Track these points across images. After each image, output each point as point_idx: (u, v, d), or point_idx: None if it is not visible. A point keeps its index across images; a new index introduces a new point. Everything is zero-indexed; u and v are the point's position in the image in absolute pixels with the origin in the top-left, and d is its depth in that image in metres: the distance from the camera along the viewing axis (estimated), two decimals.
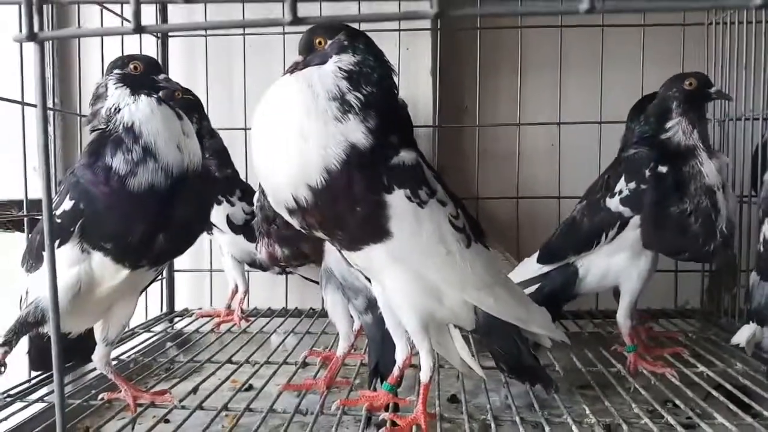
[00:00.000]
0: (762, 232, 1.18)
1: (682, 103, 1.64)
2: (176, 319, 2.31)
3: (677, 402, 1.44)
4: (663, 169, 1.59)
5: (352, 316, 1.54)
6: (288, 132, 1.11)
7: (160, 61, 2.16)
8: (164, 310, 2.39)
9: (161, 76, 1.37)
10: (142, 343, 1.98)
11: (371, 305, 1.45)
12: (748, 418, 1.33)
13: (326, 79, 1.14)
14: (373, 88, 1.15)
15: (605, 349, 1.81)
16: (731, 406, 1.40)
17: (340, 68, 1.15)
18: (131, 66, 1.34)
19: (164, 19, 2.31)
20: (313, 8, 1.43)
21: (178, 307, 2.43)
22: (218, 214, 2.11)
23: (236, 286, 2.27)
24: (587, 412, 1.38)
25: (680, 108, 1.64)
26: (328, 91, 1.12)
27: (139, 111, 1.30)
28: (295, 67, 1.20)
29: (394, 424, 1.30)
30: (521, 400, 1.51)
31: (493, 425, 1.31)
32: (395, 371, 1.39)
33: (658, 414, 1.40)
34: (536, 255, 1.83)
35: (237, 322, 2.17)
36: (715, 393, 1.49)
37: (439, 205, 1.21)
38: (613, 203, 1.63)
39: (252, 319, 2.24)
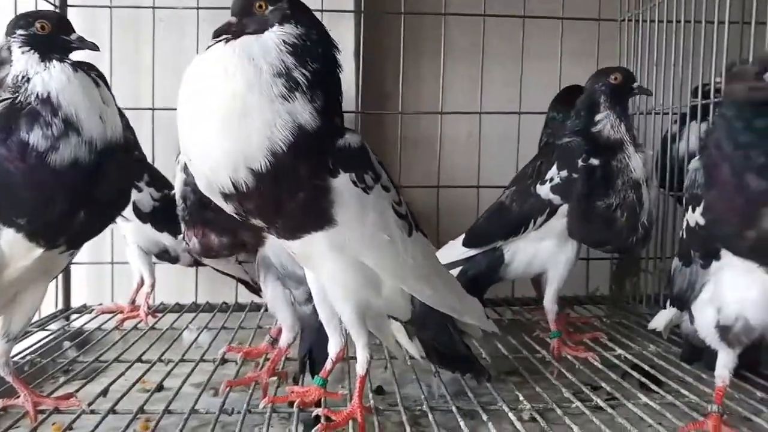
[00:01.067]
0: (685, 219, 1.22)
1: (609, 97, 1.68)
2: (74, 316, 2.12)
3: (603, 384, 1.48)
4: (594, 161, 1.62)
5: (296, 306, 1.45)
6: (227, 108, 1.00)
7: None
8: (60, 306, 2.19)
9: (73, 36, 1.23)
10: (37, 342, 1.79)
11: (311, 296, 1.37)
12: (664, 393, 1.41)
13: (270, 52, 1.03)
14: (319, 65, 1.06)
15: (528, 336, 1.84)
16: (651, 384, 1.47)
17: (284, 41, 1.05)
18: (38, 25, 1.19)
19: None
20: None
21: (76, 303, 2.23)
22: None
23: (142, 280, 2.11)
24: (520, 398, 1.38)
25: (607, 102, 1.68)
26: (272, 65, 1.02)
27: (53, 79, 1.15)
28: (228, 29, 1.08)
29: (328, 419, 1.24)
30: (452, 388, 1.50)
31: (430, 416, 1.28)
32: (328, 364, 1.32)
33: (585, 396, 1.43)
34: (462, 238, 1.82)
35: (144, 318, 2.01)
36: (636, 374, 1.55)
37: (383, 191, 1.16)
38: (544, 190, 1.65)
39: (159, 315, 2.09)
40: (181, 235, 1.51)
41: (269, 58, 1.03)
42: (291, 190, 1.04)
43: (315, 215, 1.08)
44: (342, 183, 1.08)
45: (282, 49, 1.04)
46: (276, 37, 1.05)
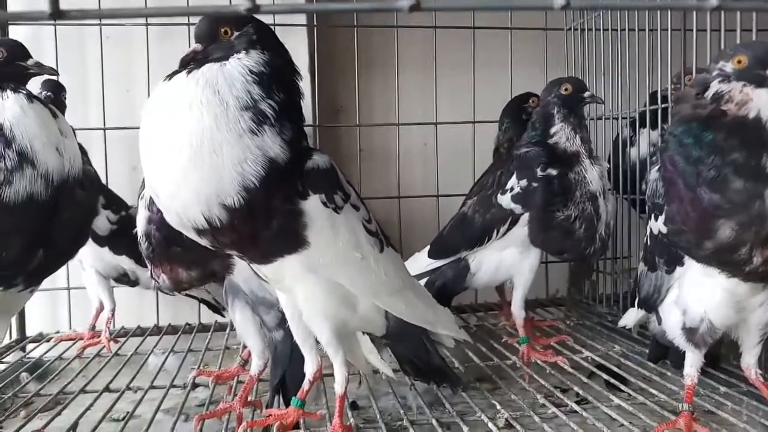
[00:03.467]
0: (648, 226, 1.27)
1: (561, 107, 1.72)
2: (30, 346, 2.04)
3: (574, 387, 1.52)
4: (553, 171, 1.65)
5: (264, 332, 1.43)
6: (195, 145, 0.98)
7: None
8: (14, 336, 2.09)
9: (30, 61, 1.20)
10: None
11: (283, 321, 1.36)
12: (634, 393, 1.45)
13: (235, 83, 1.01)
14: (284, 94, 1.05)
15: (495, 342, 1.87)
16: (619, 385, 1.53)
17: (250, 70, 1.03)
18: None
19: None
20: None
21: (31, 331, 2.14)
22: None
23: (101, 305, 2.05)
24: (497, 406, 1.41)
25: (560, 113, 1.72)
26: (238, 98, 1.00)
27: (7, 110, 1.11)
28: (194, 57, 1.07)
29: None
30: (427, 398, 1.51)
31: (411, 430, 1.29)
32: (305, 385, 1.31)
33: (558, 400, 1.47)
34: (426, 249, 1.84)
35: (106, 344, 1.95)
36: (604, 375, 1.60)
37: (353, 210, 1.17)
38: (505, 200, 1.68)
39: (121, 340, 2.03)
40: (148, 272, 1.47)
41: (235, 90, 1.01)
42: (265, 221, 1.03)
43: (288, 239, 1.08)
44: (312, 205, 1.08)
45: (248, 79, 1.02)
46: (241, 66, 1.03)
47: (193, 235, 1.06)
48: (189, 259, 1.35)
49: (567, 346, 1.81)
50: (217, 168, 0.98)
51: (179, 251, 1.34)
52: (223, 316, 2.15)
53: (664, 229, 1.17)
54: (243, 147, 0.99)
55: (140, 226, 1.41)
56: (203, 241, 1.07)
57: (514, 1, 1.00)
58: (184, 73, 1.04)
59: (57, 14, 0.54)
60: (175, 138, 0.99)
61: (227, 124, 0.99)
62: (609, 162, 2.08)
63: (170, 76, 1.05)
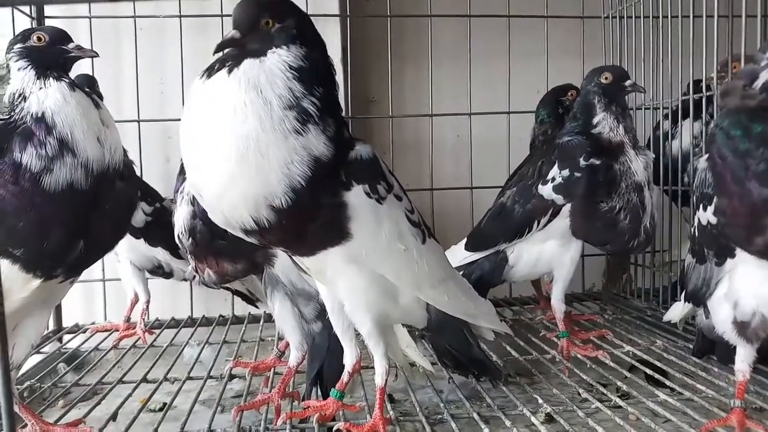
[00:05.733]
0: (696, 216, 1.23)
1: (602, 97, 1.68)
2: (67, 337, 2.06)
3: (617, 382, 1.49)
4: (596, 161, 1.61)
5: (304, 325, 1.42)
6: (241, 149, 0.96)
7: None
8: (51, 327, 2.11)
9: (71, 45, 1.18)
10: (33, 367, 1.74)
11: (322, 312, 1.35)
12: (680, 389, 1.41)
13: (276, 81, 0.99)
14: (324, 88, 1.03)
15: (534, 336, 1.84)
16: (664, 380, 1.48)
17: (290, 66, 1.01)
18: (34, 37, 1.15)
19: None
20: None
21: (67, 322, 2.16)
22: None
23: (136, 296, 2.06)
24: (539, 400, 1.38)
25: (602, 102, 1.68)
26: (281, 96, 0.99)
27: (49, 98, 1.11)
28: (231, 44, 1.04)
29: None
30: (465, 392, 1.49)
31: (452, 423, 1.27)
32: (345, 376, 1.30)
33: (600, 394, 1.44)
34: (463, 242, 1.81)
35: (141, 335, 1.96)
36: (647, 370, 1.56)
37: (396, 200, 1.15)
38: (546, 190, 1.64)
39: (156, 331, 2.04)
40: (183, 263, 1.47)
41: (277, 88, 0.99)
42: (311, 217, 1.03)
43: (332, 231, 1.07)
44: (356, 196, 1.07)
45: (288, 75, 1.00)
46: (281, 62, 1.01)
47: (240, 234, 1.06)
48: (234, 252, 1.35)
49: (607, 340, 1.77)
50: (264, 170, 0.97)
51: (224, 245, 1.33)
52: (256, 307, 2.15)
53: (713, 220, 1.14)
54: (289, 148, 0.98)
55: (182, 221, 1.40)
56: (250, 239, 1.07)
57: None
58: (224, 71, 1.01)
59: None
60: (220, 141, 0.98)
61: (272, 125, 0.97)
62: None
63: (209, 73, 1.03)
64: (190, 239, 1.38)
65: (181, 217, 1.40)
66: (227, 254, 1.36)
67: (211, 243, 1.35)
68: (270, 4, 1.05)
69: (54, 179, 1.07)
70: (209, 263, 1.39)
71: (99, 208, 1.13)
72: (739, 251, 1.14)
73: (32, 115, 1.10)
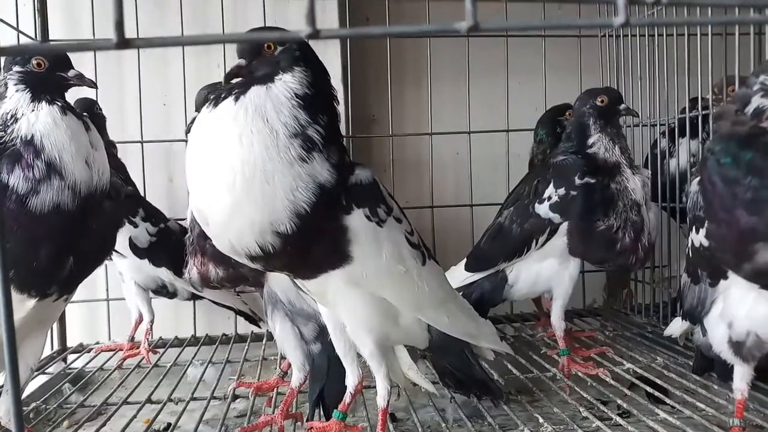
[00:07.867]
0: (690, 238, 1.24)
1: (598, 118, 1.70)
2: (71, 357, 2.07)
3: (617, 399, 1.50)
4: (591, 180, 1.63)
5: (304, 345, 1.44)
6: (247, 177, 0.99)
7: None
8: (55, 347, 2.13)
9: (71, 73, 1.21)
10: (38, 388, 1.75)
11: (321, 333, 1.37)
12: (680, 407, 1.42)
13: (282, 109, 1.02)
14: (327, 117, 1.06)
15: (534, 353, 1.85)
16: (662, 397, 1.50)
17: (296, 94, 1.03)
18: (34, 62, 1.17)
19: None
20: None
21: (71, 342, 2.17)
22: (119, 237, 1.90)
23: (140, 316, 2.07)
24: (540, 419, 1.39)
25: (597, 124, 1.70)
26: (286, 125, 1.01)
27: (39, 122, 1.13)
28: (239, 73, 1.08)
29: None
30: (467, 411, 1.50)
31: None
32: (347, 397, 1.31)
33: (600, 413, 1.44)
34: (463, 263, 1.83)
35: (146, 355, 1.97)
36: (648, 388, 1.56)
37: (396, 223, 1.17)
38: (542, 209, 1.66)
39: (160, 351, 2.05)
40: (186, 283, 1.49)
41: (282, 117, 1.02)
42: (315, 241, 1.05)
43: (333, 254, 1.09)
44: (356, 219, 1.09)
45: (293, 103, 1.03)
46: (287, 89, 1.04)
47: (245, 261, 1.07)
48: (218, 256, 1.35)
49: (607, 357, 1.78)
50: (270, 197, 0.99)
51: (209, 246, 1.34)
52: (259, 326, 2.17)
53: (705, 243, 1.15)
54: (294, 175, 1.00)
55: (189, 217, 1.43)
56: (255, 266, 1.08)
57: (573, 21, 0.99)
58: (231, 99, 1.03)
59: (123, 44, 0.55)
60: (226, 168, 1.00)
61: (278, 153, 1.00)
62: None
63: (215, 102, 1.05)
64: (189, 233, 1.41)
65: (189, 213, 1.45)
66: (212, 256, 1.37)
67: (202, 240, 1.37)
68: (270, 29, 1.08)
69: (40, 201, 1.09)
70: (196, 261, 1.40)
71: (87, 227, 1.16)
72: (731, 273, 1.16)
73: (22, 137, 1.12)
